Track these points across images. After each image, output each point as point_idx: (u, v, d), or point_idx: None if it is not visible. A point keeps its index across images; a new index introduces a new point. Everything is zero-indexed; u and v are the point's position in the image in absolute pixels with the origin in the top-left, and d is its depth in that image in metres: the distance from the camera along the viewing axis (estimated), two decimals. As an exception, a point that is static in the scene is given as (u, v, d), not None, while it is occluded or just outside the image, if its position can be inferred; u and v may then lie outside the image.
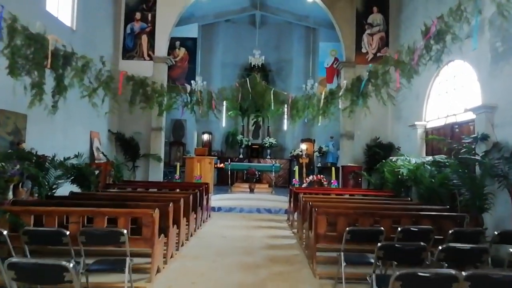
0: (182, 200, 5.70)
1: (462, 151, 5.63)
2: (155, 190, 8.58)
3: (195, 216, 7.26)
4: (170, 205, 4.95)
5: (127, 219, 4.20)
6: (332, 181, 10.20)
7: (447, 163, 6.14)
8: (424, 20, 4.70)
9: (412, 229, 3.79)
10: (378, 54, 11.03)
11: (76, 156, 7.31)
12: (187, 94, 6.93)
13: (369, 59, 11.08)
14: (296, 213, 8.22)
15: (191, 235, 6.78)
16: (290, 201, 9.05)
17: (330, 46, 15.80)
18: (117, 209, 4.40)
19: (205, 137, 16.75)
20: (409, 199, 7.32)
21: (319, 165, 15.43)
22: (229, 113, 16.68)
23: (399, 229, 3.82)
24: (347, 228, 3.79)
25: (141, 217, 4.30)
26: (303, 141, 16.45)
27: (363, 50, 11.30)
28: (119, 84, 5.60)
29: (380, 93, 5.44)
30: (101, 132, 10.24)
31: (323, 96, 6.38)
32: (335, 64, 15.48)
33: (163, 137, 11.45)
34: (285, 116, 16.60)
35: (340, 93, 5.97)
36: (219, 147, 16.89)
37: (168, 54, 15.34)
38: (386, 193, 8.14)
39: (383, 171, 8.85)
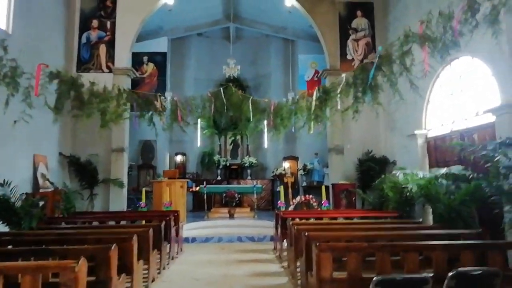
0: (135, 237, 4.24)
1: (495, 159, 4.46)
2: (114, 222, 7.04)
3: (159, 254, 5.77)
4: (113, 247, 3.49)
5: (36, 278, 2.73)
6: (322, 201, 8.91)
7: (470, 176, 4.98)
8: (416, 17, 3.70)
9: (471, 273, 2.52)
10: (365, 61, 10.06)
11: (0, 185, 5.73)
12: (140, 101, 5.56)
13: (355, 66, 10.08)
14: (284, 241, 6.85)
15: (153, 280, 5.26)
16: (276, 227, 7.67)
17: (310, 58, 14.91)
18: (24, 262, 2.92)
19: (178, 158, 15.25)
20: (420, 220, 6.09)
21: (304, 184, 14.16)
22: (204, 132, 15.32)
23: (449, 274, 2.53)
24: (375, 278, 2.48)
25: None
26: (285, 159, 15.19)
27: (349, 57, 10.31)
28: (35, 82, 4.18)
29: (396, 84, 4.25)
30: (50, 156, 8.64)
31: (314, 97, 5.16)
32: (316, 76, 14.55)
33: (126, 159, 9.93)
34: (265, 132, 15.50)
35: (339, 89, 4.76)
36: (195, 169, 15.41)
37: (136, 69, 14.05)
38: (389, 214, 6.91)
39: (382, 188, 7.66)
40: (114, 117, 5.19)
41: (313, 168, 14.14)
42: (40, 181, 7.93)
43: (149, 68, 14.74)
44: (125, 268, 4.13)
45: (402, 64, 3.95)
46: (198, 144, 15.32)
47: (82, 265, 2.79)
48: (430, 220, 7.25)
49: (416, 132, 7.95)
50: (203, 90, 15.08)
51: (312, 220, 7.24)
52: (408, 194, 6.61)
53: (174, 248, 7.05)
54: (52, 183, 7.99)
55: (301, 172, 14.29)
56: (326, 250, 3.53)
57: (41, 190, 7.80)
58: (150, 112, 5.60)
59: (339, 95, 4.84)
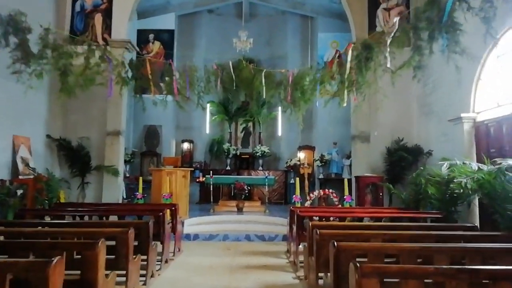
0: (101, 244, 3.10)
1: None
2: (98, 218, 5.95)
3: (145, 258, 4.65)
4: (54, 262, 2.35)
5: None
6: (344, 197, 7.67)
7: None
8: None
9: None
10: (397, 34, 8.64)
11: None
12: (125, 63, 4.40)
13: (386, 39, 8.67)
14: (301, 245, 5.68)
15: (134, 295, 4.14)
16: (291, 227, 6.49)
17: (330, 37, 13.52)
18: None
19: (185, 146, 14.13)
20: (475, 225, 4.80)
21: (321, 176, 12.89)
22: (213, 118, 14.18)
23: None
24: None
25: None
26: (300, 148, 13.93)
27: (378, 29, 8.91)
28: None
29: (492, 19, 2.89)
30: (35, 138, 7.61)
31: (349, 57, 3.88)
32: (337, 57, 13.18)
33: (123, 144, 8.83)
34: (279, 117, 14.27)
35: (389, 40, 3.45)
36: (202, 157, 14.29)
37: (140, 49, 12.92)
38: (431, 214, 5.63)
39: (419, 182, 6.38)
40: (83, 81, 4.01)
41: (331, 159, 12.83)
42: (20, 166, 6.90)
43: (155, 47, 13.60)
44: (86, 286, 3.01)
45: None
46: (207, 131, 14.22)
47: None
48: (476, 223, 5.98)
49: (462, 115, 6.58)
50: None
51: (334, 221, 6.03)
52: (456, 191, 5.33)
53: (169, 249, 5.95)
54: (33, 169, 6.96)
55: (317, 163, 13.00)
56: (372, 275, 2.31)
57: (20, 177, 6.79)
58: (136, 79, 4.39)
59: (388, 49, 3.54)
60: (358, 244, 3.25)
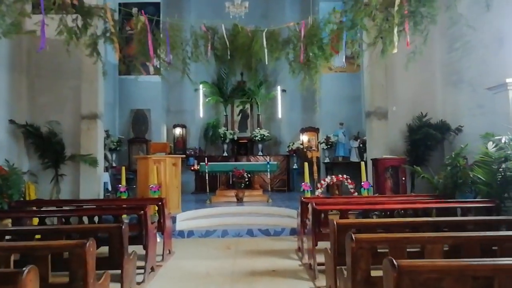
0: (24, 275, 1.95)
1: None
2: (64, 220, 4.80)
3: (121, 271, 3.54)
4: None
5: None
6: (362, 183, 6.57)
7: None
8: None
9: None
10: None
11: None
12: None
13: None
14: (328, 250, 4.59)
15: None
16: (303, 221, 5.40)
17: (333, 6, 12.22)
18: None
19: (177, 131, 12.94)
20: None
21: (326, 160, 11.77)
22: (207, 100, 12.96)
23: None
24: None
25: None
26: (303, 131, 12.79)
27: (394, -11, 7.66)
28: None
29: None
30: (-6, 124, 6.40)
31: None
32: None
33: (101, 129, 7.62)
34: (279, 95, 13.08)
35: None
36: (197, 143, 13.12)
37: (122, 23, 11.60)
38: (481, 203, 4.53)
39: (456, 164, 5.28)
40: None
41: (337, 141, 11.68)
42: (-27, 157, 5.71)
43: (140, 22, 12.20)
44: None
45: None
46: (201, 115, 13.02)
47: None
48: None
49: (508, 80, 5.42)
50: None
51: (352, 213, 4.96)
52: (508, 173, 4.25)
53: (155, 254, 4.84)
54: (-12, 161, 5.77)
55: (322, 146, 11.86)
56: None
57: (-26, 171, 5.62)
58: (94, 32, 3.24)
59: None
60: (431, 263, 2.12)
